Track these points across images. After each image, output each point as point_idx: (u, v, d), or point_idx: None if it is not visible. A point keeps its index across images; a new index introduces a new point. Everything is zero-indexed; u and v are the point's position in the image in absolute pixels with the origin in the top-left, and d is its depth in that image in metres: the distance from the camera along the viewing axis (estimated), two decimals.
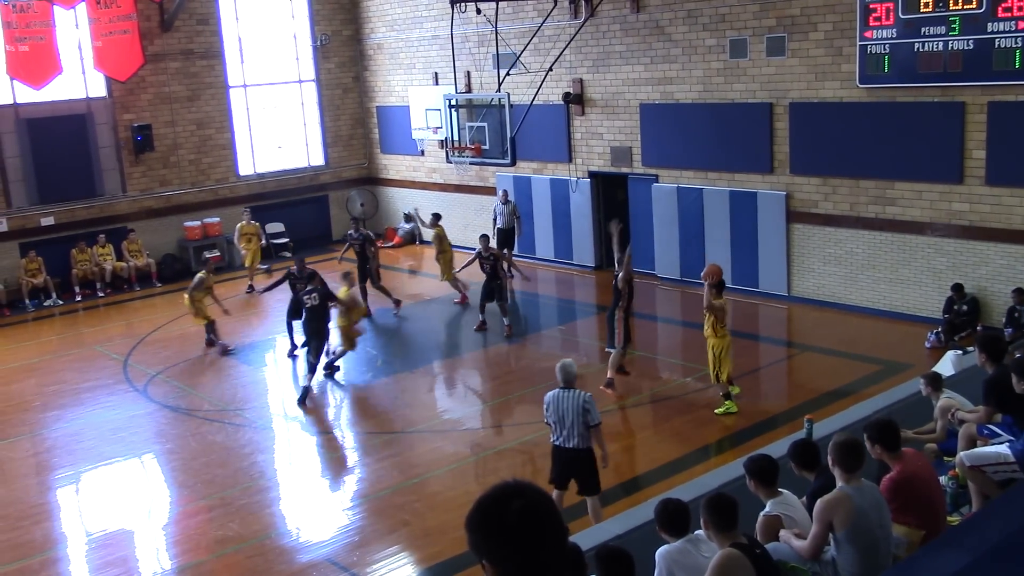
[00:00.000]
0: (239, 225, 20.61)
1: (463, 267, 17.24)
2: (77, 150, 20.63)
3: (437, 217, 18.62)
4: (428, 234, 19.54)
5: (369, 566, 9.18)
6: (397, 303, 17.80)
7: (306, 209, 23.82)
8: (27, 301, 19.59)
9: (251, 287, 19.96)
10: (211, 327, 16.05)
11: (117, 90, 21.01)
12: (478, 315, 16.39)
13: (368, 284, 17.68)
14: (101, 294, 20.31)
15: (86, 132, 20.75)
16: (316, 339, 13.82)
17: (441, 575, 8.96)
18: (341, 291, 14.58)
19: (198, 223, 22.07)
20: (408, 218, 23.92)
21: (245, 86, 23.02)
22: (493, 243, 19.46)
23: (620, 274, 12.94)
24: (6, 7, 18.91)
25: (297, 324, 15.27)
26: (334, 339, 14.62)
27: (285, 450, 12.45)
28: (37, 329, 18.56)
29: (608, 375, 13.11)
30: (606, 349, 13.45)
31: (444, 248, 18.12)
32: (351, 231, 18.19)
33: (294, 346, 15.51)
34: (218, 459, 11.82)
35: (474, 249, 16.89)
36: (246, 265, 20.34)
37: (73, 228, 20.64)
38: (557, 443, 8.89)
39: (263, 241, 21.04)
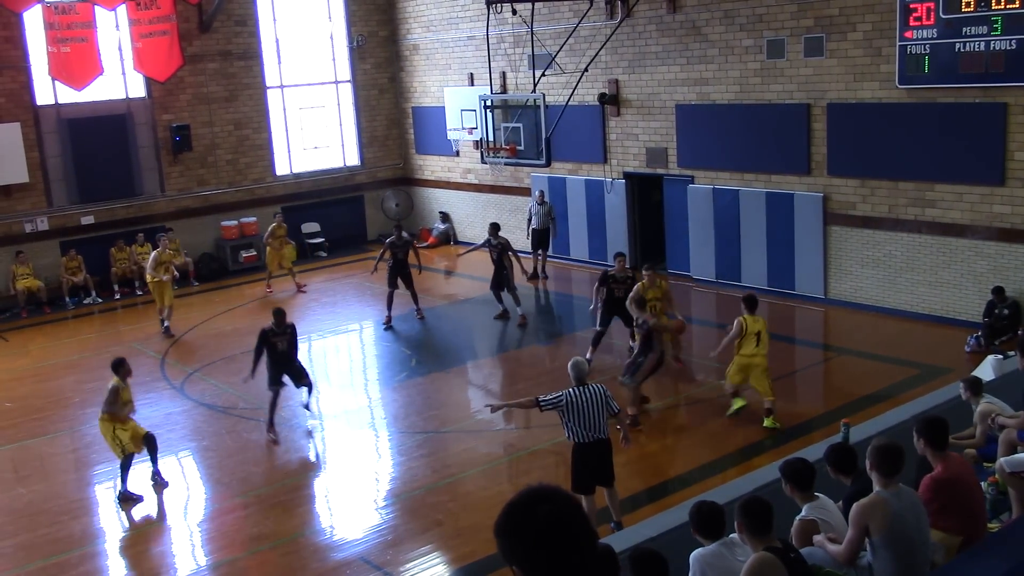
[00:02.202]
0: (155, 253, 17.43)
1: (467, 251, 18.35)
2: (117, 150, 20.87)
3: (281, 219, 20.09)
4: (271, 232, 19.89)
5: (402, 565, 9.21)
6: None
7: (341, 209, 23.95)
8: (67, 299, 19.85)
9: (166, 327, 17.32)
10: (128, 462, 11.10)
11: (156, 91, 21.24)
12: (497, 305, 16.88)
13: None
14: (139, 292, 20.50)
15: (126, 132, 20.99)
16: (301, 377, 12.85)
17: (473, 575, 8.97)
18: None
19: (235, 223, 22.24)
20: (444, 217, 24.01)
21: (282, 87, 23.19)
22: (527, 241, 19.62)
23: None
24: (48, 8, 19.14)
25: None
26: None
27: (319, 448, 12.52)
28: (77, 326, 18.79)
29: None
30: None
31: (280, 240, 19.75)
32: (392, 236, 17.12)
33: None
34: (253, 457, 11.91)
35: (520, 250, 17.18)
36: (162, 303, 17.31)
37: (112, 227, 20.89)
38: (584, 440, 8.94)
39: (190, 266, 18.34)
